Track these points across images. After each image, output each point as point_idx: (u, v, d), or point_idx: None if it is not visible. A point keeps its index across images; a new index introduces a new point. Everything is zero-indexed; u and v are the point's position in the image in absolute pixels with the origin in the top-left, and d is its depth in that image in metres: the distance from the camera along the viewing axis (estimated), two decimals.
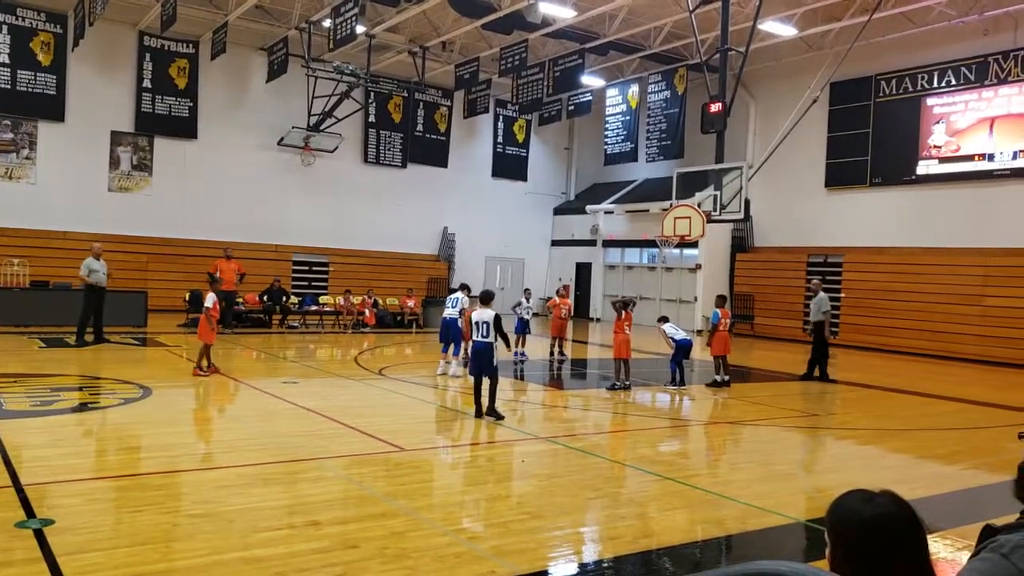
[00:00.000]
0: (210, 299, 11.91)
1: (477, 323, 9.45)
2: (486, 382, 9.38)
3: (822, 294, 14.56)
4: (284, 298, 20.72)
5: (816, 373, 14.30)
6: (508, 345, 9.46)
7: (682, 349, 12.76)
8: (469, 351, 10.52)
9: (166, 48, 22.42)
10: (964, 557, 1.76)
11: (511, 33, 21.68)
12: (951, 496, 6.88)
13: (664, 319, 13.50)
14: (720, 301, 13.80)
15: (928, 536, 1.71)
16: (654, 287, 26.73)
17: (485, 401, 9.37)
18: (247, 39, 23.02)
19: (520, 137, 29.43)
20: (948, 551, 5.20)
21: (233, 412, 9.88)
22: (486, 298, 9.80)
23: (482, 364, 9.32)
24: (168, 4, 18.57)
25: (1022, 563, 1.61)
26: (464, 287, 13.87)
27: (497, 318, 9.36)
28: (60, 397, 9.77)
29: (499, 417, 9.19)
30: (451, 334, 13.18)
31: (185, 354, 14.35)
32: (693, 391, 12.66)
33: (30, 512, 5.15)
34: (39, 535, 4.71)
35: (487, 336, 9.32)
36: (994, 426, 10.48)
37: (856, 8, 19.49)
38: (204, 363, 11.70)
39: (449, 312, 13.17)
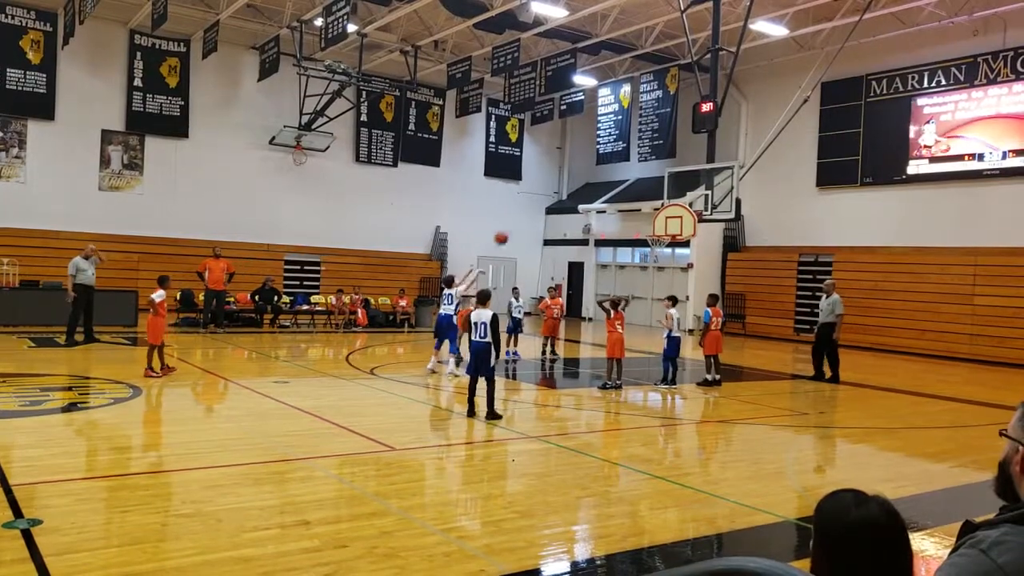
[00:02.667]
0: (159, 295, 11.54)
1: (475, 323, 9.38)
2: (481, 382, 9.35)
3: (836, 295, 14.20)
4: (276, 297, 20.68)
5: (828, 374, 14.07)
6: (498, 351, 9.40)
7: (672, 345, 12.73)
8: (462, 347, 10.46)
9: (157, 47, 22.33)
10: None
11: (503, 32, 21.67)
12: (938, 494, 6.92)
13: (673, 300, 13.31)
14: (712, 300, 13.81)
15: (913, 536, 1.71)
16: (646, 286, 26.77)
17: (479, 401, 9.35)
18: (238, 38, 22.95)
19: (512, 136, 29.42)
20: (935, 548, 5.23)
21: (223, 412, 9.85)
22: (483, 297, 9.69)
23: (479, 365, 9.28)
24: (159, 2, 18.50)
25: (1000, 558, 1.61)
26: (451, 281, 13.88)
27: (495, 318, 9.30)
28: (49, 397, 9.73)
29: (497, 417, 9.18)
30: (444, 331, 13.21)
31: (176, 354, 14.30)
32: (684, 390, 12.68)
33: (18, 512, 5.13)
34: (27, 535, 4.69)
35: (485, 336, 9.25)
36: (983, 424, 10.53)
37: (847, 8, 19.55)
38: (156, 364, 11.32)
39: (447, 310, 13.21)
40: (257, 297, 20.33)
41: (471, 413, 9.30)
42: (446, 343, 13.30)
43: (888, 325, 20.45)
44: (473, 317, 9.48)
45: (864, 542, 1.63)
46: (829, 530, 1.69)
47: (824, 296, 14.39)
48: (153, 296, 11.56)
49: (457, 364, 13.10)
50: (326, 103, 22.89)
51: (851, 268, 21.59)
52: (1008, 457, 1.85)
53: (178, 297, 20.06)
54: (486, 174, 28.88)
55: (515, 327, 15.84)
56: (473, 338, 9.42)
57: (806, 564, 1.81)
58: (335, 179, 25.34)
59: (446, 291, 13.60)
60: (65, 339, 14.72)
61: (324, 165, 24.96)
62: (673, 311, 12.90)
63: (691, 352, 17.62)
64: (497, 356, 9.38)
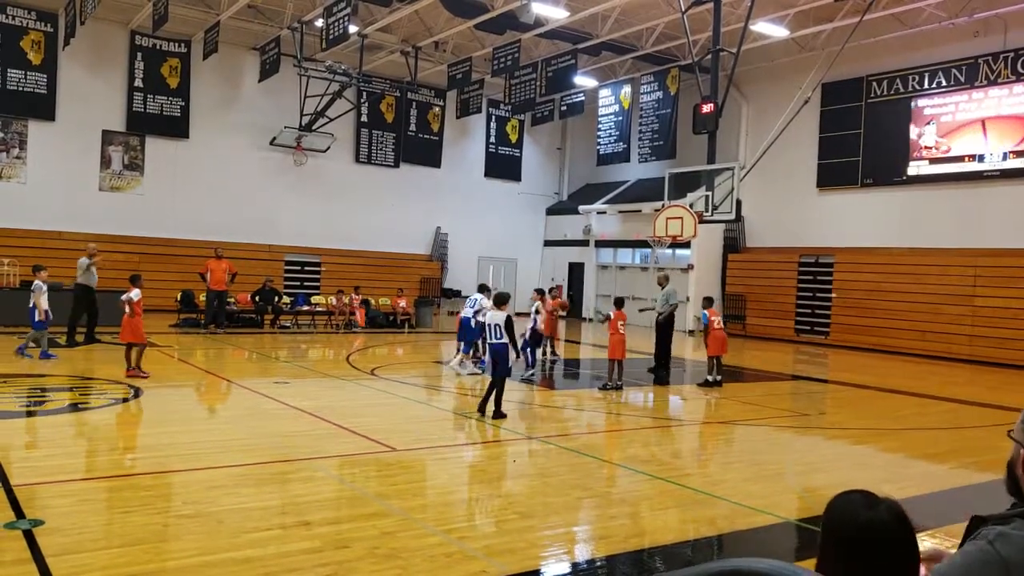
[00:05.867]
0: (135, 294, 11.37)
1: (490, 325, 9.56)
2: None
3: (671, 286, 14.58)
4: (276, 298, 20.67)
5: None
6: (517, 351, 9.63)
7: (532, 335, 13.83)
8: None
9: (158, 47, 22.34)
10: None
11: (504, 33, 21.67)
12: (939, 495, 6.92)
13: (540, 292, 15.00)
14: (707, 303, 13.88)
15: (918, 536, 1.71)
16: (646, 287, 26.74)
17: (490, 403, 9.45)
18: (239, 38, 22.96)
19: (513, 137, 29.42)
20: None
21: (224, 412, 9.85)
22: (500, 300, 9.91)
23: (500, 364, 9.39)
24: (160, 3, 18.51)
25: (1005, 551, 1.62)
26: (484, 288, 14.16)
27: (508, 320, 9.47)
28: (50, 397, 9.73)
29: (502, 416, 9.27)
30: (464, 333, 13.43)
31: (177, 354, 14.32)
32: (685, 391, 12.68)
33: (20, 513, 5.13)
34: (28, 536, 4.69)
35: (501, 337, 9.42)
36: (984, 425, 10.54)
37: (847, 10, 19.56)
38: (142, 363, 11.22)
39: (466, 312, 13.57)
40: (257, 298, 20.32)
41: (482, 411, 9.35)
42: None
43: (888, 326, 20.45)
44: (488, 319, 9.69)
45: (873, 544, 1.64)
46: (838, 530, 1.69)
47: (660, 288, 14.60)
48: (131, 295, 11.37)
49: (475, 364, 13.34)
50: (327, 104, 22.90)
51: (851, 269, 21.60)
52: (1014, 459, 1.86)
53: (178, 298, 20.07)
54: (486, 175, 28.87)
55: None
56: (489, 340, 9.58)
57: (807, 565, 1.81)
58: (335, 180, 25.34)
59: (473, 296, 14.06)
60: (66, 339, 14.72)
61: (324, 166, 24.96)
62: (539, 303, 14.36)
63: (691, 353, 17.64)
64: (517, 354, 9.71)
